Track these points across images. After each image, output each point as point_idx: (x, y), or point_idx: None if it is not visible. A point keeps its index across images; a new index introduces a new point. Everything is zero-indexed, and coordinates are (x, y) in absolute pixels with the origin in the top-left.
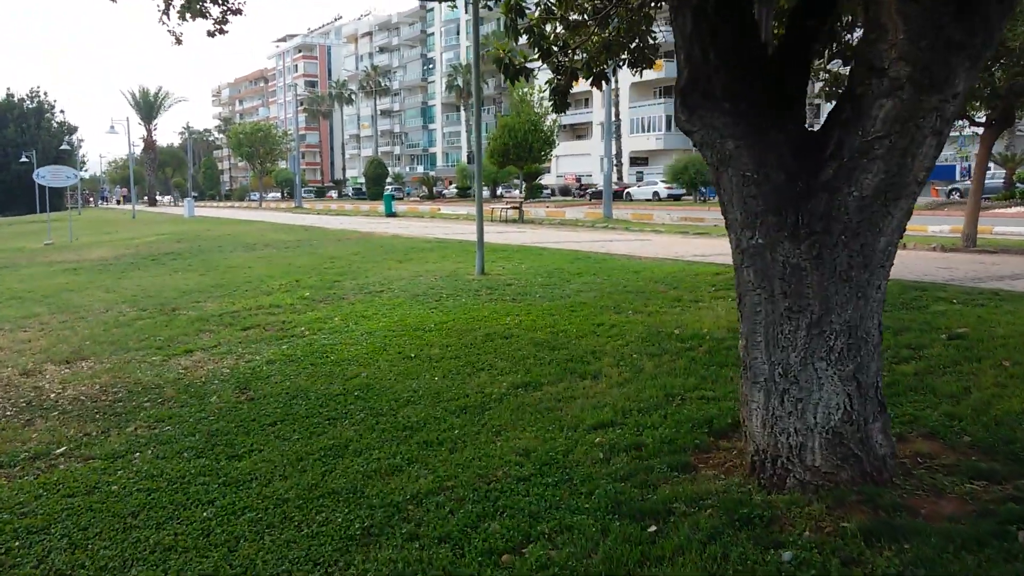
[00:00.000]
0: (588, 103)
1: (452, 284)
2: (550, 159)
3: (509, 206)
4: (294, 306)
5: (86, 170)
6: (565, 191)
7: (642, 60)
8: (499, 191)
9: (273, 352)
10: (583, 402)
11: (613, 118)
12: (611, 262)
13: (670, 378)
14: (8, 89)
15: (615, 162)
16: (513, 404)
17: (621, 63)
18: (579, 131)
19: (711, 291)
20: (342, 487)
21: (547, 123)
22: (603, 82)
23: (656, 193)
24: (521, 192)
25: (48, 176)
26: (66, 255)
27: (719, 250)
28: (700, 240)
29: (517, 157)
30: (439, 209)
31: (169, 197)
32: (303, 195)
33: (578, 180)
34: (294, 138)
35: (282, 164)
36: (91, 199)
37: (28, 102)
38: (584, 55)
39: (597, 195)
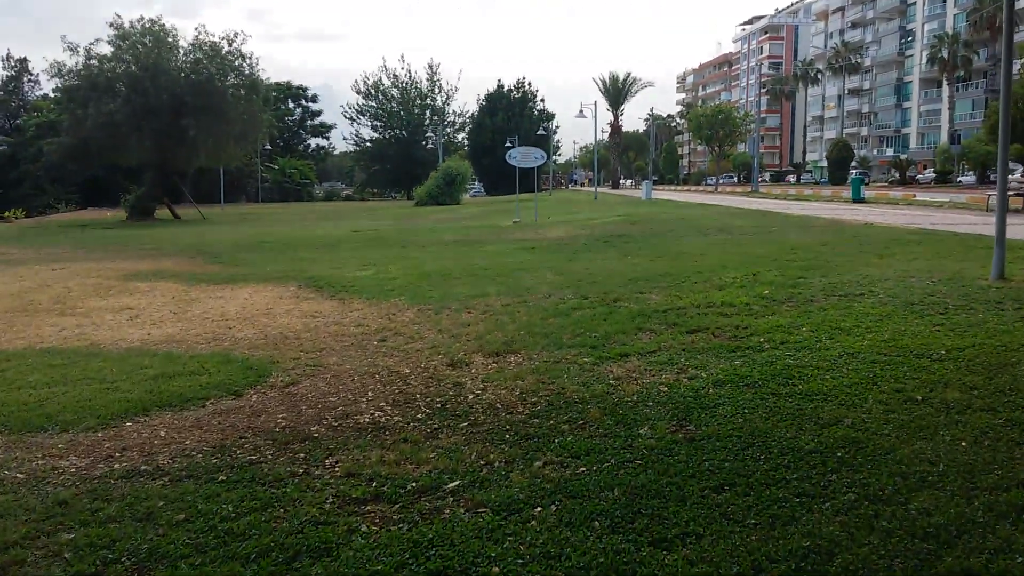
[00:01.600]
0: None
1: (959, 291)
2: None
3: (1011, 193)
4: (750, 307)
5: (559, 154)
6: None
7: None
8: (989, 175)
9: (723, 369)
10: None
11: None
12: None
13: None
14: (499, 80)
15: None
16: None
17: None
18: None
19: None
20: None
21: None
22: None
23: None
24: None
25: (519, 156)
26: (528, 233)
27: None
28: None
29: None
30: (914, 196)
31: (631, 181)
32: (759, 179)
33: None
34: (754, 120)
35: (740, 148)
36: (562, 181)
37: (514, 92)
38: None
39: None
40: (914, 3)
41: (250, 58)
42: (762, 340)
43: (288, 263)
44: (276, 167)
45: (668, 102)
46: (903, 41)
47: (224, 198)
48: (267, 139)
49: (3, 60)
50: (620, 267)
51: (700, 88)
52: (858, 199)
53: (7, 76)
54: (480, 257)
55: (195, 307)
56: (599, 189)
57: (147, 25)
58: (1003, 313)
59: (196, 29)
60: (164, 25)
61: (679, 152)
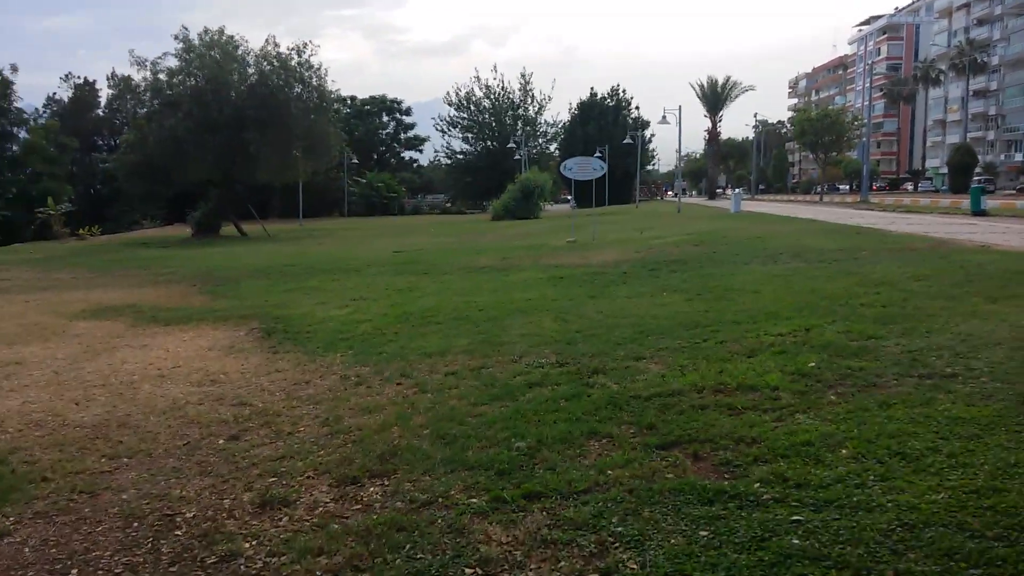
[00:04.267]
0: None
1: None
2: None
3: None
4: (778, 393)
5: (654, 164)
6: None
7: None
8: None
9: (672, 552)
10: None
11: None
12: None
13: None
14: (591, 88)
15: None
16: None
17: None
18: None
19: None
20: None
21: None
22: None
23: None
24: None
25: (575, 168)
26: (573, 257)
27: None
28: None
29: None
30: None
31: (739, 190)
32: (874, 187)
33: None
34: (864, 124)
35: (853, 154)
36: (657, 192)
37: (608, 100)
38: None
39: None
40: None
41: (319, 69)
42: (767, 477)
43: (279, 295)
44: (364, 181)
45: (780, 108)
46: None
47: (313, 213)
48: (340, 153)
49: (108, 79)
50: (642, 310)
51: (813, 93)
52: (978, 211)
53: (111, 95)
54: (491, 291)
55: (94, 362)
56: (693, 200)
57: (215, 37)
58: None
59: (266, 40)
60: (232, 37)
61: (789, 160)
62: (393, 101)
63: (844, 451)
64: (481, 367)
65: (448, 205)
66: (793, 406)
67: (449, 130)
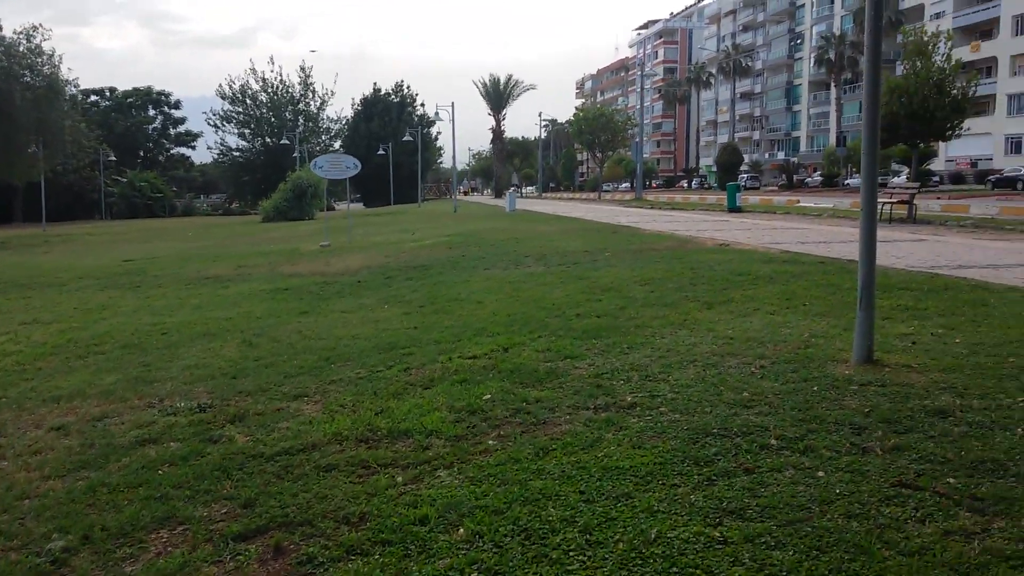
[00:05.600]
0: (991, 72)
1: (797, 395)
2: (958, 133)
3: (894, 199)
4: (431, 440)
5: (440, 161)
6: (957, 178)
7: None
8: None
9: None
10: None
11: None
12: None
13: None
14: (375, 84)
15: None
16: None
17: None
18: (976, 106)
19: None
20: None
21: (956, 85)
22: None
23: None
24: (909, 179)
25: (327, 166)
26: (313, 264)
27: None
28: None
29: (911, 133)
30: (797, 201)
31: (529, 188)
32: (653, 185)
33: (973, 165)
34: (637, 124)
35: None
36: (447, 191)
37: (393, 96)
38: None
39: (1004, 183)
40: (803, 5)
41: (52, 56)
42: None
43: None
44: (124, 180)
45: (569, 108)
46: (793, 44)
47: (67, 216)
48: (91, 150)
49: None
50: (347, 329)
51: (598, 94)
52: (733, 208)
53: None
54: (193, 308)
55: None
56: (482, 198)
57: None
58: (866, 474)
59: None
60: None
61: (578, 159)
62: (160, 93)
63: (461, 530)
64: (102, 417)
65: (231, 206)
66: (440, 459)
67: (223, 125)
